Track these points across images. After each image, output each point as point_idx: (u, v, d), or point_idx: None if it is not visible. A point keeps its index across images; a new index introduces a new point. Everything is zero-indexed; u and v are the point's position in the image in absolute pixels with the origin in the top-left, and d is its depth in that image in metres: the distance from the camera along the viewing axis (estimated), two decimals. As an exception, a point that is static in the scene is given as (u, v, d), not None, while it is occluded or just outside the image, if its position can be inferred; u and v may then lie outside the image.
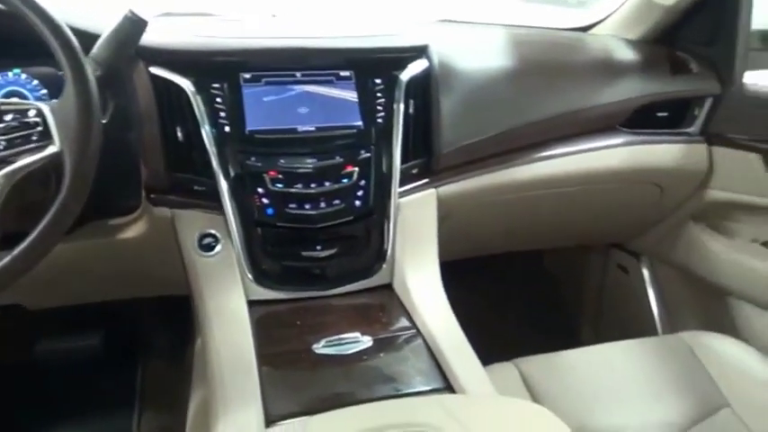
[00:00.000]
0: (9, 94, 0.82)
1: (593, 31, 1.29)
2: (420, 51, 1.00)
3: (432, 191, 1.03)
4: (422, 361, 0.82)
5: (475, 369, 0.81)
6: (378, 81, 0.96)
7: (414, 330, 0.88)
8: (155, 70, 0.87)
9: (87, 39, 0.77)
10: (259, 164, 0.90)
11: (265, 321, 0.89)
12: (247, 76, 0.91)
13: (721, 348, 1.03)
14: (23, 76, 0.83)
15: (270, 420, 0.71)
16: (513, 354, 1.01)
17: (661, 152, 1.21)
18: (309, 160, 0.91)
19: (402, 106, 0.96)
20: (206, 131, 0.88)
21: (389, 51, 1.00)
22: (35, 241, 0.66)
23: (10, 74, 0.82)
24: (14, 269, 0.66)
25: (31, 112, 0.69)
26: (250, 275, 0.92)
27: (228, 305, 0.89)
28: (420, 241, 1.00)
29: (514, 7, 1.56)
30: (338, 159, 0.92)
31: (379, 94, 0.96)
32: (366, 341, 0.84)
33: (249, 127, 0.90)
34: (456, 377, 0.78)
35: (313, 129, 0.93)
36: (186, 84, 0.88)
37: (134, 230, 0.93)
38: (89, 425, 1.34)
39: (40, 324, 1.33)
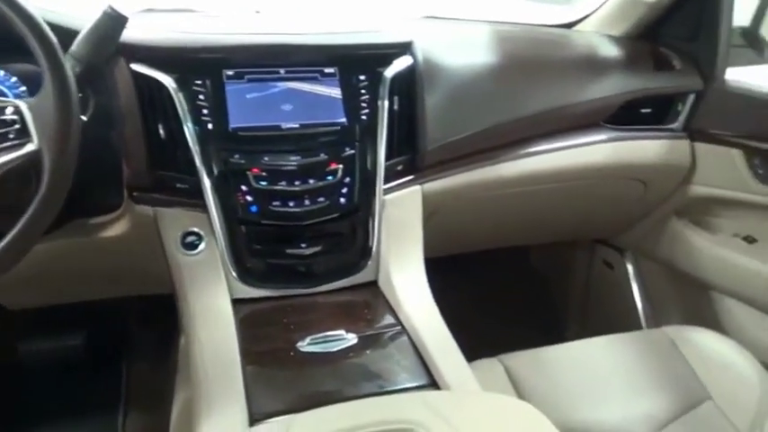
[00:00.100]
0: None
1: (578, 27, 1.30)
2: (404, 48, 0.99)
3: (417, 188, 1.03)
4: (407, 358, 0.82)
5: (460, 365, 0.82)
6: (362, 78, 0.96)
7: (399, 327, 0.88)
8: (136, 67, 0.86)
9: (66, 35, 0.76)
10: (242, 161, 0.89)
11: (250, 320, 0.89)
12: (230, 72, 0.91)
13: (703, 342, 1.04)
14: (1, 73, 0.81)
15: (254, 419, 0.70)
16: (499, 350, 1.01)
17: (644, 148, 1.22)
18: (293, 157, 0.91)
19: (386, 103, 0.96)
20: (188, 129, 0.87)
21: (373, 48, 0.99)
22: (13, 241, 0.65)
23: None
24: (-8, 269, 0.65)
25: (9, 110, 0.68)
26: (234, 273, 0.92)
27: (212, 304, 0.88)
28: (405, 238, 1.00)
29: (500, 4, 1.56)
30: (322, 156, 0.92)
31: (363, 91, 0.96)
32: (351, 338, 0.84)
33: (232, 124, 0.89)
34: (441, 374, 0.78)
35: (297, 126, 0.92)
36: (168, 80, 0.87)
37: (116, 229, 0.92)
38: (73, 426, 1.33)
39: (22, 324, 1.31)
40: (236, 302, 0.91)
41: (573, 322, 1.71)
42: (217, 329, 0.84)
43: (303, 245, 0.93)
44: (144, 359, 1.42)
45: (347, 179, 0.93)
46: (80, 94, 0.74)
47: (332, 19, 1.12)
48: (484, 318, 1.50)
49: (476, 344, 0.92)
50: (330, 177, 0.92)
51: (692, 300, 1.39)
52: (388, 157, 0.97)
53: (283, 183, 0.90)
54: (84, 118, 0.82)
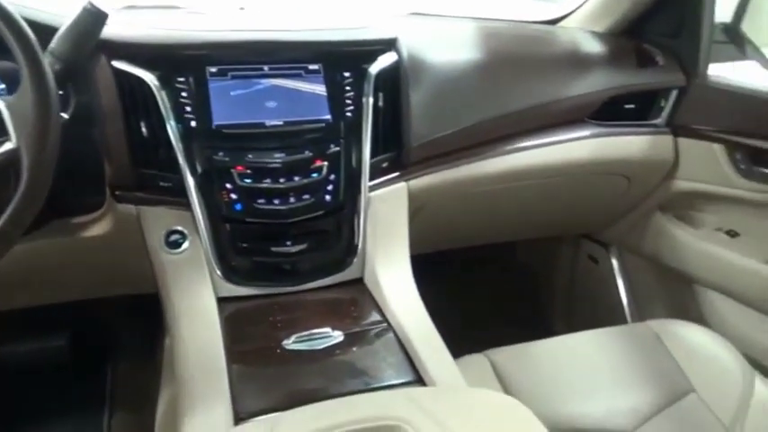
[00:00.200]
0: None
1: (562, 23, 1.30)
2: (389, 44, 0.99)
3: (402, 184, 1.03)
4: (393, 355, 0.82)
5: (445, 361, 0.82)
6: (346, 74, 0.96)
7: (385, 324, 0.88)
8: (117, 64, 0.85)
9: (45, 32, 0.75)
10: (226, 159, 0.88)
11: (235, 318, 0.88)
12: (214, 69, 0.90)
13: (687, 335, 1.05)
14: None
15: (239, 418, 0.70)
16: (486, 345, 1.02)
17: (628, 144, 1.23)
18: (278, 155, 0.90)
19: (371, 99, 0.95)
20: (171, 126, 0.87)
21: (358, 44, 0.99)
22: (-8, 241, 0.64)
23: None
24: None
25: None
26: (219, 272, 0.91)
27: (197, 303, 0.88)
28: (391, 235, 1.00)
29: (486, 0, 1.56)
30: (307, 154, 0.92)
31: (347, 88, 0.95)
32: (337, 336, 0.84)
33: (216, 122, 0.89)
34: (426, 370, 0.78)
35: (281, 123, 0.92)
36: (150, 78, 0.86)
37: (98, 228, 0.91)
38: (59, 427, 1.32)
39: (4, 325, 1.29)
40: (221, 301, 0.90)
41: (558, 317, 1.72)
42: (202, 328, 0.84)
43: (288, 242, 0.93)
44: (129, 359, 1.40)
45: (332, 176, 0.93)
46: (60, 92, 0.74)
47: (316, 15, 1.11)
48: (470, 313, 1.51)
49: (462, 340, 0.93)
50: (315, 175, 0.92)
51: (676, 293, 1.41)
52: (373, 154, 0.97)
53: (268, 180, 0.89)
54: (65, 116, 0.81)
